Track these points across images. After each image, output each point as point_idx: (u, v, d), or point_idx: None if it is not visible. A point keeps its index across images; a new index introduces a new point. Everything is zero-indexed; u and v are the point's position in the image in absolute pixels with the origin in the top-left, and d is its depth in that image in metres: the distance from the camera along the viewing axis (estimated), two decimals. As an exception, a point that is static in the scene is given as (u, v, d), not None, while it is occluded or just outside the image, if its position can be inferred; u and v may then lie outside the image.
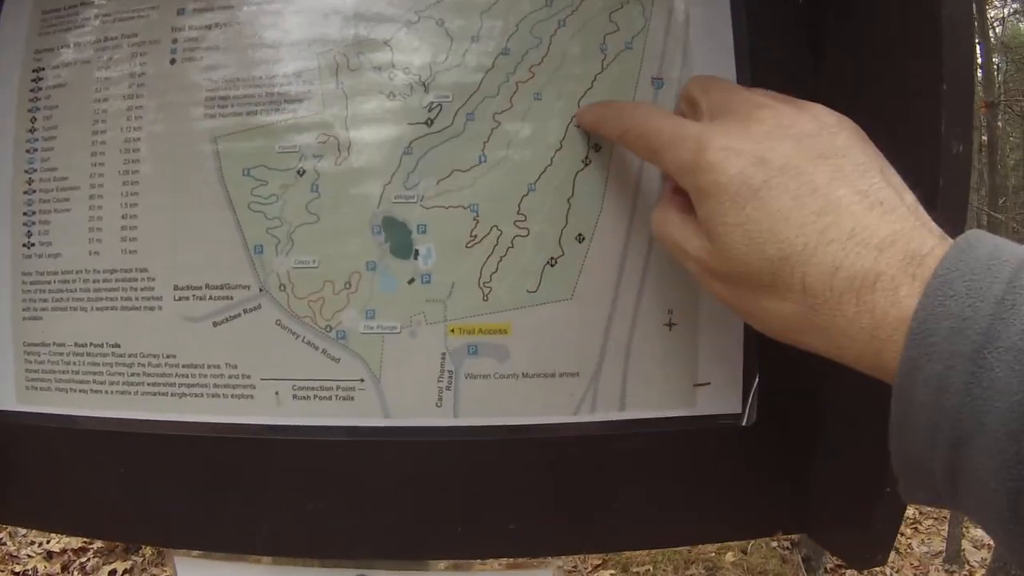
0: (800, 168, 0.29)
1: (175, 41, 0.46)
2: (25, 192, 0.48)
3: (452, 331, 0.42)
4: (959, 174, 0.34)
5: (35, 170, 0.48)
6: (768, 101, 0.33)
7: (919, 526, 3.02)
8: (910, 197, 0.30)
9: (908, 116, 0.37)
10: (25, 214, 0.48)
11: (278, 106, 0.45)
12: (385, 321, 0.43)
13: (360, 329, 0.43)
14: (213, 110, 0.45)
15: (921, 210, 0.30)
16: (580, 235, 0.43)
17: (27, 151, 0.48)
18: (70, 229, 0.47)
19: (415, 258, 0.43)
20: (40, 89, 0.48)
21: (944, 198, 0.34)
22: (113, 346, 0.45)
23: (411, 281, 0.43)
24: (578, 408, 0.42)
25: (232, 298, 0.44)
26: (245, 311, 0.44)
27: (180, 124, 0.46)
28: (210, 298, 0.44)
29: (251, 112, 0.45)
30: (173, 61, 0.46)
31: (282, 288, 0.43)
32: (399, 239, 0.43)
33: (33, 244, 0.47)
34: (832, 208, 0.28)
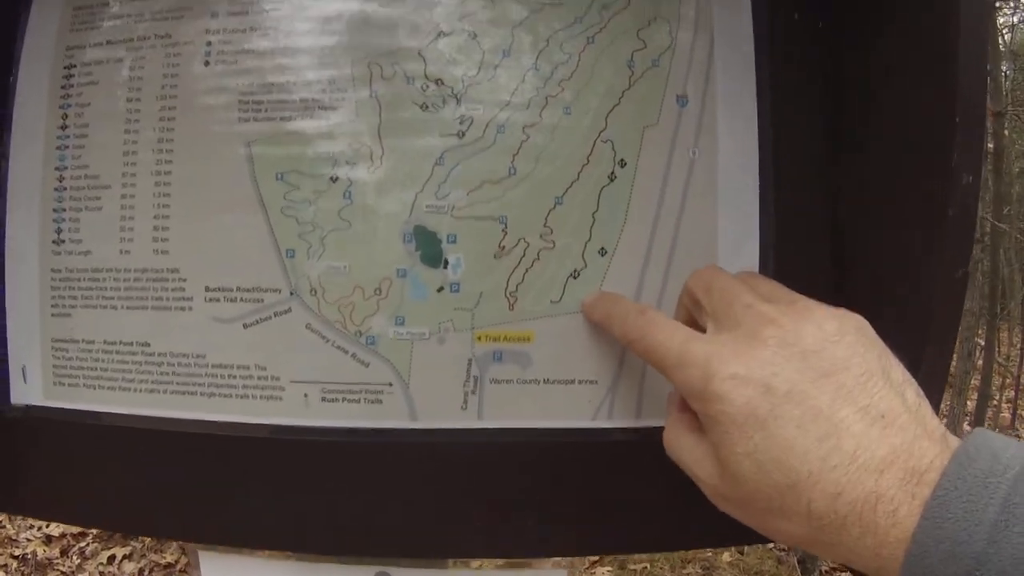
0: (805, 392, 0.31)
1: (209, 44, 0.49)
2: (56, 188, 0.51)
3: (479, 338, 0.46)
4: (968, 204, 0.38)
5: (66, 167, 0.51)
6: (772, 313, 0.34)
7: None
8: (912, 394, 0.32)
9: (920, 146, 0.40)
10: (55, 210, 0.51)
11: (312, 112, 0.48)
12: (415, 328, 0.46)
13: (390, 335, 0.46)
14: (247, 114, 0.48)
15: (924, 407, 0.32)
16: (603, 249, 0.46)
17: (58, 148, 0.51)
18: (101, 227, 0.50)
19: (445, 267, 0.46)
20: (72, 86, 0.51)
21: (953, 227, 0.38)
22: (143, 344, 0.49)
23: (440, 289, 0.46)
24: (596, 414, 0.46)
25: (263, 300, 0.47)
26: (275, 314, 0.47)
27: (213, 126, 0.49)
28: (241, 300, 0.47)
29: (285, 117, 0.48)
30: (207, 63, 0.49)
31: (313, 292, 0.47)
32: (430, 248, 0.46)
33: (63, 241, 0.50)
34: (835, 432, 0.30)
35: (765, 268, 0.45)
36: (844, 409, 0.31)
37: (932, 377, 0.37)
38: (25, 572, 1.79)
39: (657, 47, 0.48)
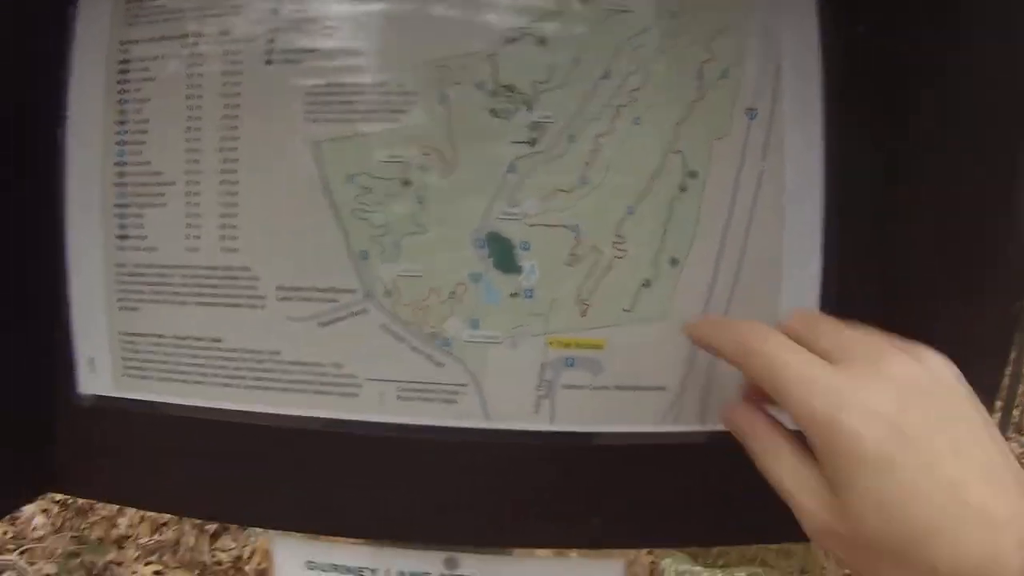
0: (929, 440, 0.32)
1: (271, 41, 0.49)
2: (116, 184, 0.51)
3: (551, 343, 0.48)
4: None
5: (126, 163, 0.51)
6: (891, 350, 0.34)
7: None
8: (1012, 460, 0.33)
9: (983, 178, 0.43)
10: (117, 206, 0.51)
11: (381, 115, 0.48)
12: (488, 331, 0.48)
13: (464, 337, 0.48)
14: (314, 115, 0.48)
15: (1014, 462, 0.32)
16: (674, 259, 0.48)
17: (117, 143, 0.51)
18: (166, 224, 0.50)
19: (519, 273, 0.48)
20: (128, 81, 0.51)
21: (1012, 262, 0.41)
22: (214, 340, 0.50)
23: (514, 295, 0.48)
24: (663, 419, 0.49)
25: (337, 300, 0.49)
26: (351, 314, 0.49)
27: (279, 125, 0.49)
28: (315, 299, 0.49)
29: (354, 119, 0.48)
30: (269, 62, 0.49)
31: (387, 294, 0.48)
32: (503, 255, 0.48)
33: (127, 236, 0.51)
34: (960, 484, 0.31)
35: (827, 288, 0.48)
36: (966, 462, 0.32)
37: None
38: (66, 516, 1.82)
39: (726, 59, 0.49)
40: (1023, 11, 0.41)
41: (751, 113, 0.49)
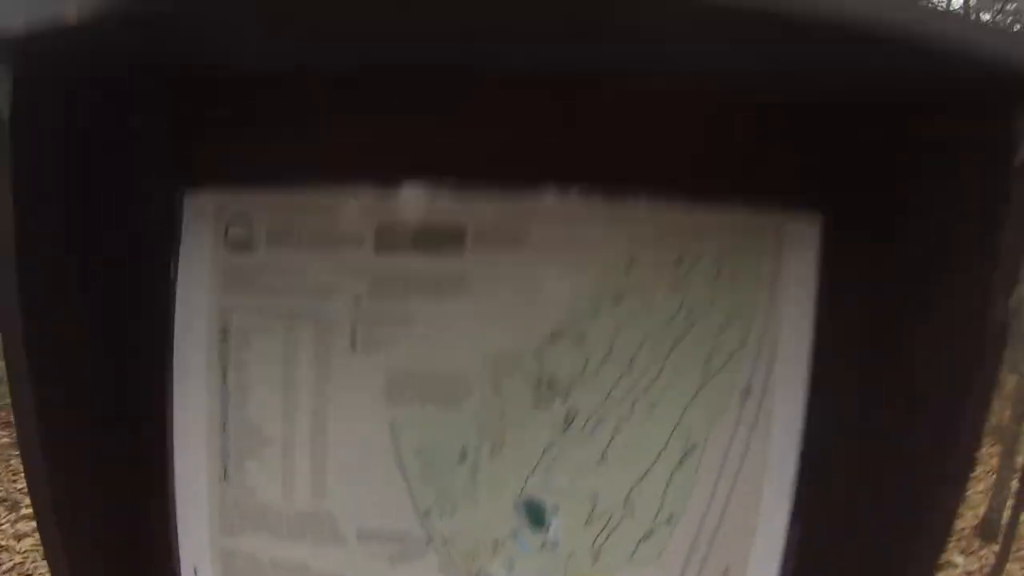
0: None
1: (355, 330, 0.60)
2: (220, 434, 0.62)
3: (572, 583, 0.62)
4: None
5: (229, 418, 0.62)
6: None
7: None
8: None
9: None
10: (221, 451, 0.63)
11: (448, 401, 0.60)
12: (521, 572, 0.61)
13: (504, 577, 0.61)
14: (393, 395, 0.60)
15: None
16: (671, 517, 0.61)
17: (220, 399, 0.62)
18: (264, 471, 0.62)
19: (547, 531, 0.61)
20: (229, 345, 0.62)
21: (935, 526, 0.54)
22: (303, 567, 0.63)
23: (543, 546, 0.61)
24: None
25: (405, 544, 0.61)
26: (415, 556, 0.61)
27: (362, 401, 0.60)
28: (387, 541, 0.61)
29: (424, 403, 0.60)
30: (354, 346, 0.60)
31: (445, 543, 0.61)
32: (536, 516, 0.61)
33: (229, 477, 0.63)
34: None
35: (791, 544, 0.61)
36: None
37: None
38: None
39: (731, 348, 0.61)
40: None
41: (746, 393, 0.61)
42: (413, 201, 0.57)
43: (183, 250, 0.62)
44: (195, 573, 0.65)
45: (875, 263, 0.57)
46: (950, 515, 0.55)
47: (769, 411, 0.60)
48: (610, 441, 0.60)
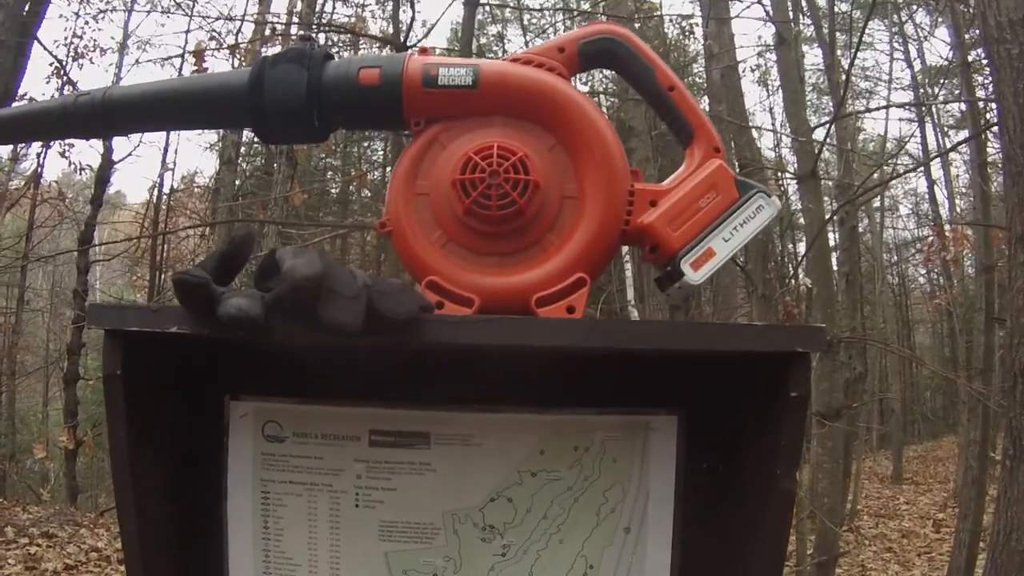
0: None
1: (357, 494, 0.91)
2: (263, 560, 0.94)
3: (512, 658, 0.94)
4: None
5: (270, 551, 0.93)
6: None
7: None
8: None
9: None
10: (264, 572, 0.94)
11: (423, 539, 0.91)
12: (478, 652, 0.93)
13: (465, 657, 0.93)
14: (384, 535, 0.91)
15: None
16: (579, 613, 0.93)
17: (263, 538, 0.93)
18: None
19: (495, 624, 0.93)
20: (268, 504, 0.93)
21: None
22: (324, 651, 0.94)
23: (492, 634, 0.93)
24: None
25: (395, 636, 0.93)
26: (402, 643, 0.93)
27: (364, 540, 0.92)
28: (382, 635, 0.93)
29: (407, 541, 0.91)
30: (357, 505, 0.91)
31: (423, 634, 0.93)
32: None
33: None
34: None
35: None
36: None
37: None
38: None
39: (615, 500, 0.93)
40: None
41: (627, 530, 0.93)
42: (395, 414, 0.88)
43: (232, 439, 0.92)
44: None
45: (712, 445, 0.90)
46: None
47: (644, 541, 0.93)
48: (534, 563, 0.93)
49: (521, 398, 0.90)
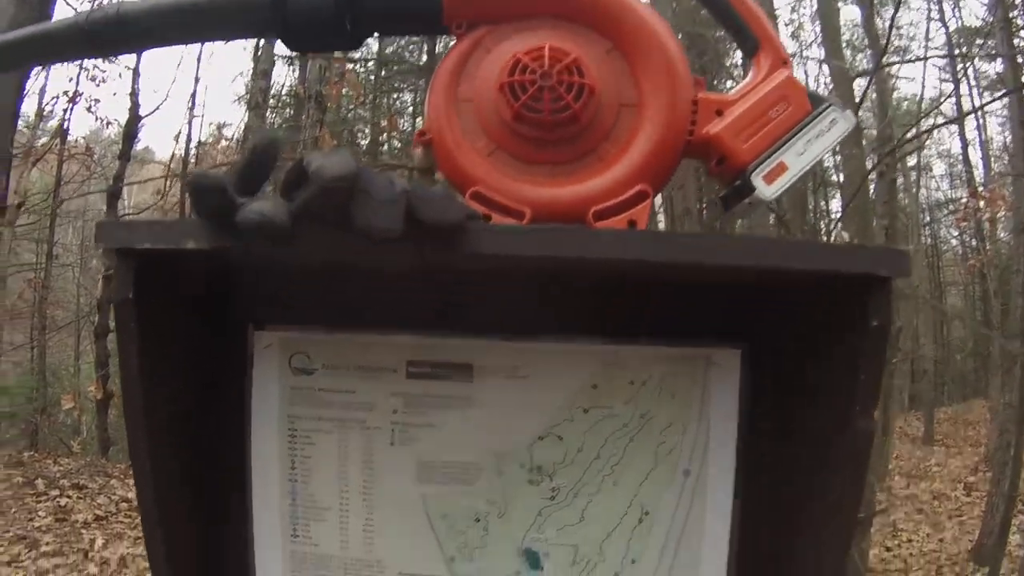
0: None
1: (393, 431, 0.84)
2: (290, 505, 0.87)
3: (559, 609, 0.87)
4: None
5: (297, 494, 0.87)
6: None
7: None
8: None
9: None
10: (291, 517, 0.88)
11: (464, 481, 0.84)
12: (523, 602, 0.87)
13: (509, 606, 0.87)
14: (422, 477, 0.85)
15: None
16: (633, 560, 0.87)
17: (289, 480, 0.87)
18: (325, 531, 0.88)
19: (542, 571, 0.86)
20: (296, 442, 0.86)
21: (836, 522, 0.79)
22: (358, 600, 0.88)
23: (538, 583, 0.86)
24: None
25: (434, 583, 0.87)
26: (442, 591, 0.87)
27: (400, 482, 0.86)
28: (420, 582, 0.87)
29: (447, 483, 0.84)
30: (392, 443, 0.84)
31: (464, 581, 0.86)
32: (533, 561, 0.87)
33: (297, 536, 0.88)
34: None
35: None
36: None
37: None
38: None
39: (672, 441, 0.85)
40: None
41: (687, 473, 0.86)
42: (435, 343, 0.80)
43: (256, 371, 0.85)
44: (274, 606, 0.90)
45: (778, 384, 0.81)
46: (841, 553, 0.79)
47: (704, 486, 0.85)
48: (585, 507, 0.85)
49: (573, 327, 0.83)
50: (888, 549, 6.07)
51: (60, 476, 6.91)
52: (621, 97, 0.80)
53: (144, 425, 0.75)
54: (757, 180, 0.78)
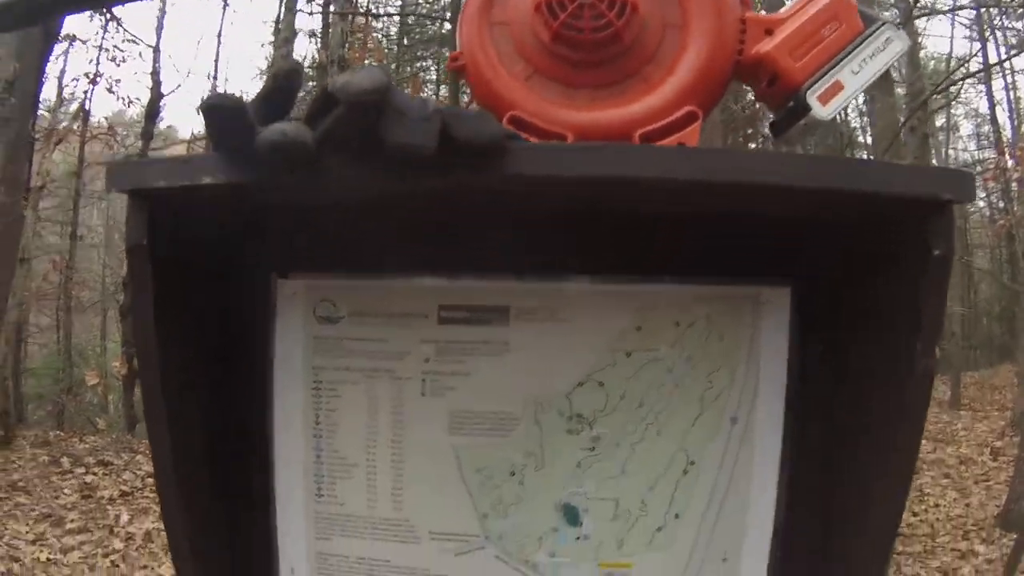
0: None
1: (424, 380, 0.80)
2: (315, 462, 0.83)
3: (601, 565, 0.83)
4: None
5: (322, 449, 0.83)
6: None
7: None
8: None
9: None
10: (315, 475, 0.84)
11: (499, 431, 0.80)
12: (562, 559, 0.83)
13: (547, 563, 0.83)
14: (455, 428, 0.80)
15: None
16: (677, 514, 0.82)
17: (314, 436, 0.83)
18: (351, 489, 0.84)
19: (580, 527, 0.81)
20: (320, 394, 0.82)
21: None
22: (385, 561, 0.84)
23: (578, 539, 0.82)
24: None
25: (468, 541, 0.83)
26: (476, 548, 0.83)
27: (431, 434, 0.82)
28: (453, 540, 0.83)
29: (480, 434, 0.80)
30: (423, 393, 0.80)
31: (499, 538, 0.83)
32: (572, 516, 0.82)
33: (323, 495, 0.84)
34: None
35: (776, 534, 0.81)
36: None
37: None
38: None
39: (720, 386, 0.81)
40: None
41: (733, 420, 0.81)
42: (468, 286, 0.76)
43: (280, 321, 0.80)
44: (292, 573, 0.86)
45: (831, 322, 0.76)
46: (896, 504, 0.74)
47: (752, 433, 0.80)
48: (627, 458, 0.81)
49: (614, 265, 0.79)
50: (915, 514, 6.00)
51: (86, 454, 6.93)
52: (665, 17, 0.75)
53: (159, 381, 0.70)
54: (812, 100, 0.73)
